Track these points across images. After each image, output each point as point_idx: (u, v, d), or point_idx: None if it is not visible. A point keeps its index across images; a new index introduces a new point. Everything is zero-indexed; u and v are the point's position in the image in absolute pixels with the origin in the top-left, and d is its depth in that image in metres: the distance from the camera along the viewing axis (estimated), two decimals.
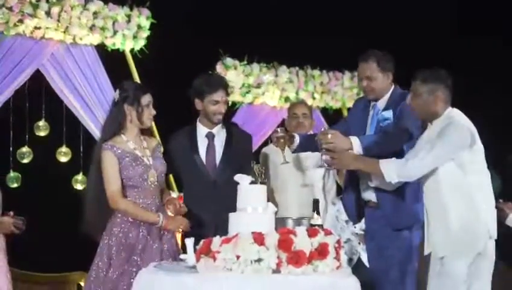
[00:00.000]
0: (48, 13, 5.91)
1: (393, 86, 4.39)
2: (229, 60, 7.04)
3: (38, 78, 5.99)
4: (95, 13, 6.16)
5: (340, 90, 7.84)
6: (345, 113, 7.96)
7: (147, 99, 4.21)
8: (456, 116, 3.91)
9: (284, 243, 3.19)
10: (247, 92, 7.25)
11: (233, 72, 7.04)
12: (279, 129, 4.36)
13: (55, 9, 5.94)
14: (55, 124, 6.10)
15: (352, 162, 4.02)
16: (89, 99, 6.16)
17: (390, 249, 4.26)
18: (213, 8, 6.99)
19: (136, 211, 4.07)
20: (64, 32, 6.02)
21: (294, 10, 7.44)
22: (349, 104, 7.93)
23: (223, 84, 4.58)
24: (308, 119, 5.25)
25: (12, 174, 5.92)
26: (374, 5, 7.68)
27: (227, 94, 4.61)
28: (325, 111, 7.85)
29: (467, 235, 3.78)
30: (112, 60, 6.39)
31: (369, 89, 4.34)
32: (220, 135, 4.63)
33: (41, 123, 6.10)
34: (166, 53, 6.67)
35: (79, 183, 6.10)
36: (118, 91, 4.31)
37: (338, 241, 3.40)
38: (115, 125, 4.21)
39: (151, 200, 4.15)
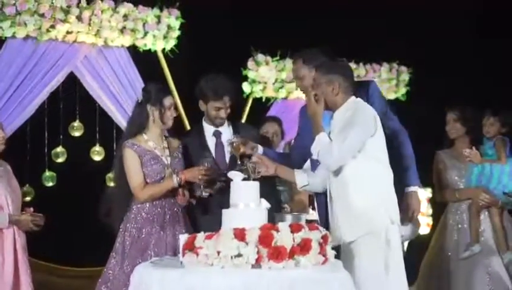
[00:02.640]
0: (79, 18, 6.09)
1: None
2: (260, 56, 7.11)
3: (72, 79, 6.19)
4: (125, 16, 6.33)
5: (377, 82, 7.78)
6: None
7: (168, 101, 4.42)
8: (360, 103, 4.00)
9: (265, 239, 3.27)
10: (281, 88, 7.30)
11: (266, 68, 7.10)
12: (234, 136, 4.47)
13: (86, 14, 6.11)
14: (88, 124, 6.31)
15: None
16: (121, 99, 6.34)
17: None
18: (243, 5, 7.06)
19: (156, 190, 4.31)
20: (95, 35, 6.21)
21: (327, 2, 7.42)
22: (389, 96, 7.90)
23: (227, 91, 4.62)
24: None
25: (47, 173, 6.18)
26: None
27: (232, 99, 4.65)
28: None
29: (368, 219, 3.85)
30: (144, 60, 6.56)
31: (302, 89, 4.44)
32: (227, 132, 4.73)
33: (76, 124, 6.32)
34: (198, 52, 6.79)
35: (112, 181, 6.30)
36: (141, 92, 4.53)
37: (324, 237, 3.45)
38: (137, 125, 4.47)
39: (165, 197, 4.33)
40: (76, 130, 6.31)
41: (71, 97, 6.24)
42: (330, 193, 4.03)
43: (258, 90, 7.22)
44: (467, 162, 5.29)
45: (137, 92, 6.37)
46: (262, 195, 3.62)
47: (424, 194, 7.79)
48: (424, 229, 7.70)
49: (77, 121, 6.34)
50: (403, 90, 7.95)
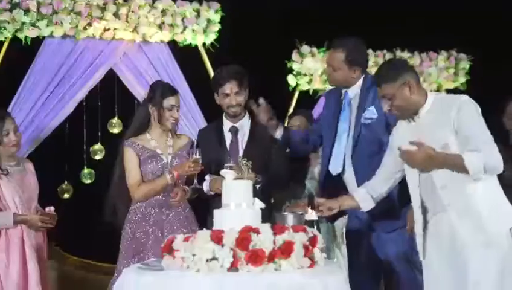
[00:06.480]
0: (116, 15, 6.10)
1: (363, 75, 4.16)
2: (305, 48, 6.90)
3: (110, 76, 6.21)
4: (163, 11, 6.28)
5: (434, 71, 7.43)
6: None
7: (170, 102, 4.30)
8: (461, 98, 3.57)
9: (242, 242, 3.12)
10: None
11: (310, 59, 6.89)
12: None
13: (123, 10, 6.11)
14: (127, 121, 6.28)
15: (427, 161, 3.49)
16: None
17: None
18: None
19: (150, 188, 4.23)
20: (133, 31, 6.18)
21: None
22: (446, 86, 7.53)
23: (232, 76, 4.37)
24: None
25: (86, 170, 6.22)
26: None
27: (241, 85, 4.40)
28: None
29: (497, 224, 3.47)
30: (185, 55, 6.50)
31: (331, 79, 4.26)
32: (244, 128, 4.51)
33: (114, 120, 6.33)
34: (240, 45, 6.67)
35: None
36: (147, 90, 4.46)
37: (312, 239, 3.26)
38: (139, 123, 4.38)
39: (163, 195, 4.24)
40: (115, 127, 6.32)
41: (110, 94, 6.25)
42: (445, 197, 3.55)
43: (304, 82, 7.01)
44: None
45: (177, 86, 6.27)
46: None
47: None
48: None
49: (116, 118, 6.35)
50: (462, 79, 7.53)
